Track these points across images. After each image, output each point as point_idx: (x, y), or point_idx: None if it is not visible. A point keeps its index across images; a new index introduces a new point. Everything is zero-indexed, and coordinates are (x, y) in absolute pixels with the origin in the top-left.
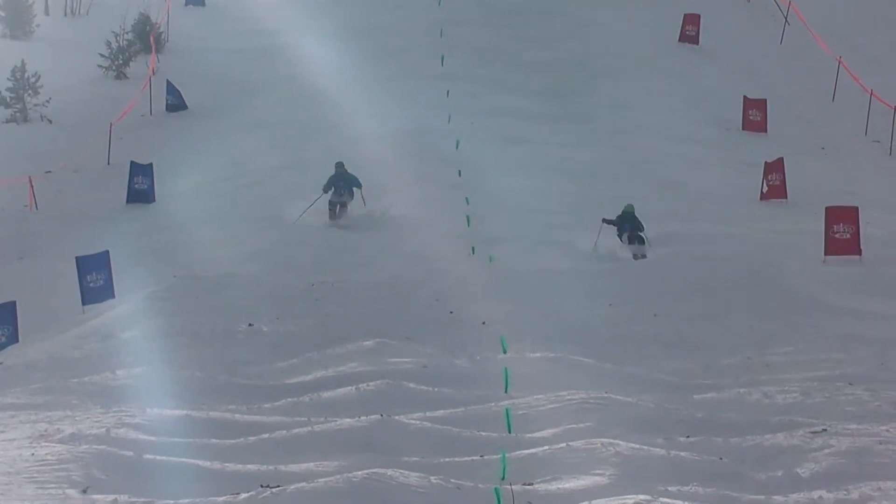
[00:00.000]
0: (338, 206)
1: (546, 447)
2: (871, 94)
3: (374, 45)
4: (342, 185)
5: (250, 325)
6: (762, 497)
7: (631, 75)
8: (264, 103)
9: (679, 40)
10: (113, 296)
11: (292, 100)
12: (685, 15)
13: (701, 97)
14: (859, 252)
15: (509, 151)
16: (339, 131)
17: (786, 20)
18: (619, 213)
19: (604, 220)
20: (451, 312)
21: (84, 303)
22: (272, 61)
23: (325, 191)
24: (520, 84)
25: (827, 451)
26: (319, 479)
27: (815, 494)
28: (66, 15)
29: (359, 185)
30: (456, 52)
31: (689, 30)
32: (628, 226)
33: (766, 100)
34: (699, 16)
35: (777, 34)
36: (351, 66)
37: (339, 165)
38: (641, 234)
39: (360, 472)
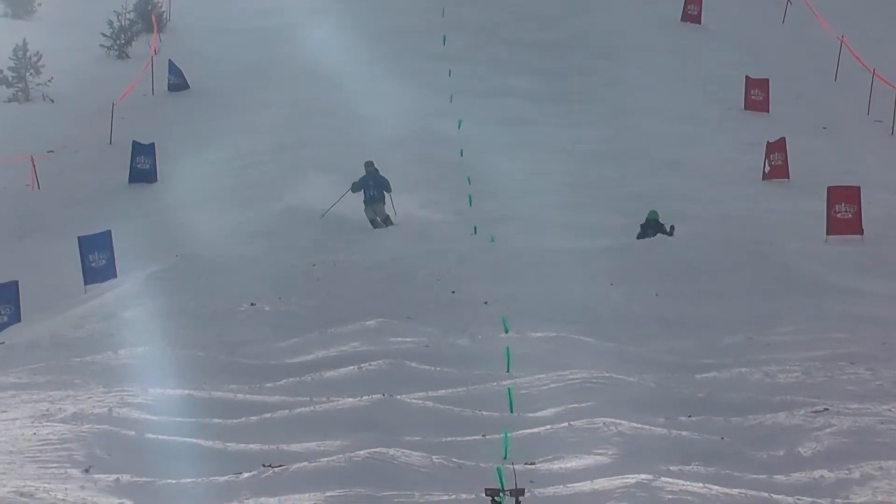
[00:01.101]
0: (376, 218)
1: (548, 426)
2: (874, 73)
3: (375, 26)
4: (372, 185)
5: (252, 304)
6: (764, 476)
7: (633, 55)
8: (266, 84)
9: (681, 20)
10: (115, 275)
11: (294, 80)
12: None
13: (703, 77)
14: (861, 232)
15: (511, 132)
16: (341, 111)
17: None
18: (643, 221)
19: (638, 238)
20: (453, 292)
21: (86, 282)
22: (274, 41)
23: (354, 191)
24: (521, 64)
25: (828, 430)
26: (321, 459)
27: (817, 474)
28: None
29: (388, 189)
30: (458, 32)
31: (691, 9)
32: (651, 233)
33: (767, 79)
34: None
35: (779, 13)
36: (353, 46)
37: (370, 165)
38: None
39: (362, 452)
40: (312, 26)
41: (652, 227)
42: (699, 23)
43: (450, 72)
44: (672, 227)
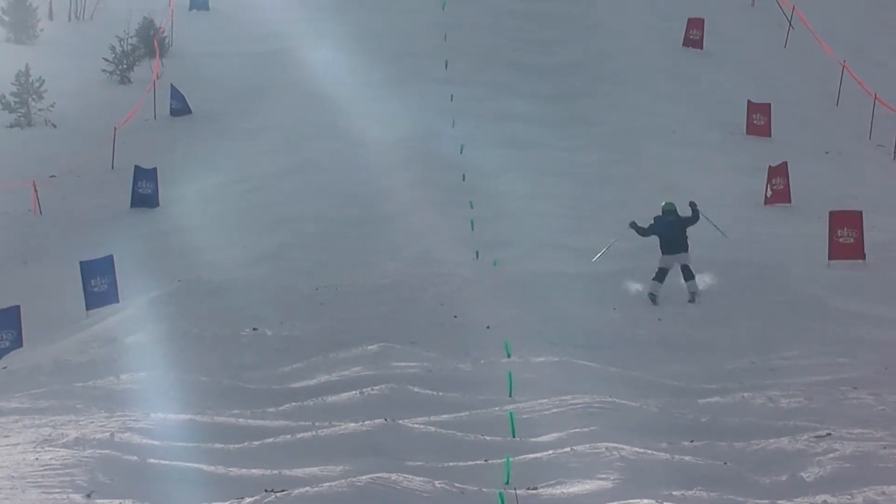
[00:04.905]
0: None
1: (550, 451)
2: (875, 98)
3: (377, 50)
4: (672, 235)
5: (254, 329)
6: (766, 501)
7: (635, 79)
8: (268, 107)
9: (683, 45)
10: (117, 300)
11: (296, 104)
12: (689, 19)
13: (705, 101)
14: (863, 256)
15: (513, 155)
16: (344, 135)
17: (790, 24)
18: (658, 215)
19: (632, 226)
20: (456, 316)
21: (88, 307)
22: (276, 65)
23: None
24: (524, 88)
25: (831, 455)
26: (324, 484)
27: (820, 499)
28: (70, 20)
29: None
30: (460, 56)
31: (693, 34)
32: (671, 235)
33: (769, 104)
34: (703, 20)
35: (781, 38)
36: (355, 71)
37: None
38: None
39: (364, 477)
40: (315, 51)
41: (669, 226)
42: (701, 48)
43: (452, 96)
44: (693, 205)
